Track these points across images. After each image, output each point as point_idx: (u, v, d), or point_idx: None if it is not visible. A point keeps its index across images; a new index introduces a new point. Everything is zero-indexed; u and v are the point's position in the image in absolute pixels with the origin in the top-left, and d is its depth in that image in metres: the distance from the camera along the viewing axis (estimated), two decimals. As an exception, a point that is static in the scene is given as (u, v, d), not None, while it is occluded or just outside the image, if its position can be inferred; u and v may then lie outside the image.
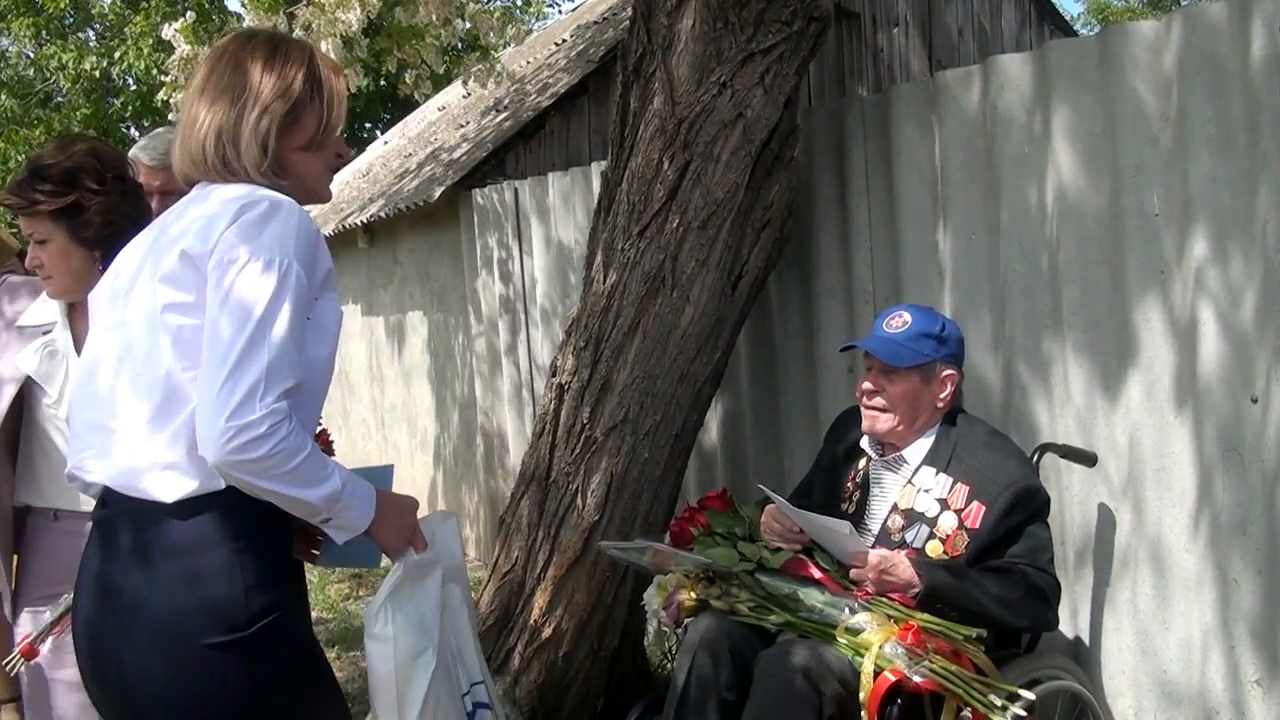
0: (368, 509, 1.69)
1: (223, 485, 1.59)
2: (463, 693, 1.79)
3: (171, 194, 2.96)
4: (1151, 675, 2.51)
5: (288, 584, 1.71)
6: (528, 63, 8.86)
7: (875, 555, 2.24)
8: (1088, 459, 2.55)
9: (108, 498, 1.67)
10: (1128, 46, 2.47)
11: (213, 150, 1.69)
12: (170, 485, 1.59)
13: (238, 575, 1.59)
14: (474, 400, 5.79)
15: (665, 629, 2.56)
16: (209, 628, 1.56)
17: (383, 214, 6.62)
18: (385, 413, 7.51)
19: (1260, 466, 2.27)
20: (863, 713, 2.05)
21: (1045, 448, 2.61)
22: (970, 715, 2.09)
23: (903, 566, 2.23)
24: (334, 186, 10.30)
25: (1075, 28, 11.61)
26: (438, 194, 5.80)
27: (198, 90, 1.73)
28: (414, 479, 6.80)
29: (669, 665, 3.77)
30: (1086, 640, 2.67)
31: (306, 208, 1.70)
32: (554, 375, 3.31)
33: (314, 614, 4.59)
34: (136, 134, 12.20)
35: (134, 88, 11.56)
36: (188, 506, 1.59)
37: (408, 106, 13.05)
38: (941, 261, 3.01)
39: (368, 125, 19.40)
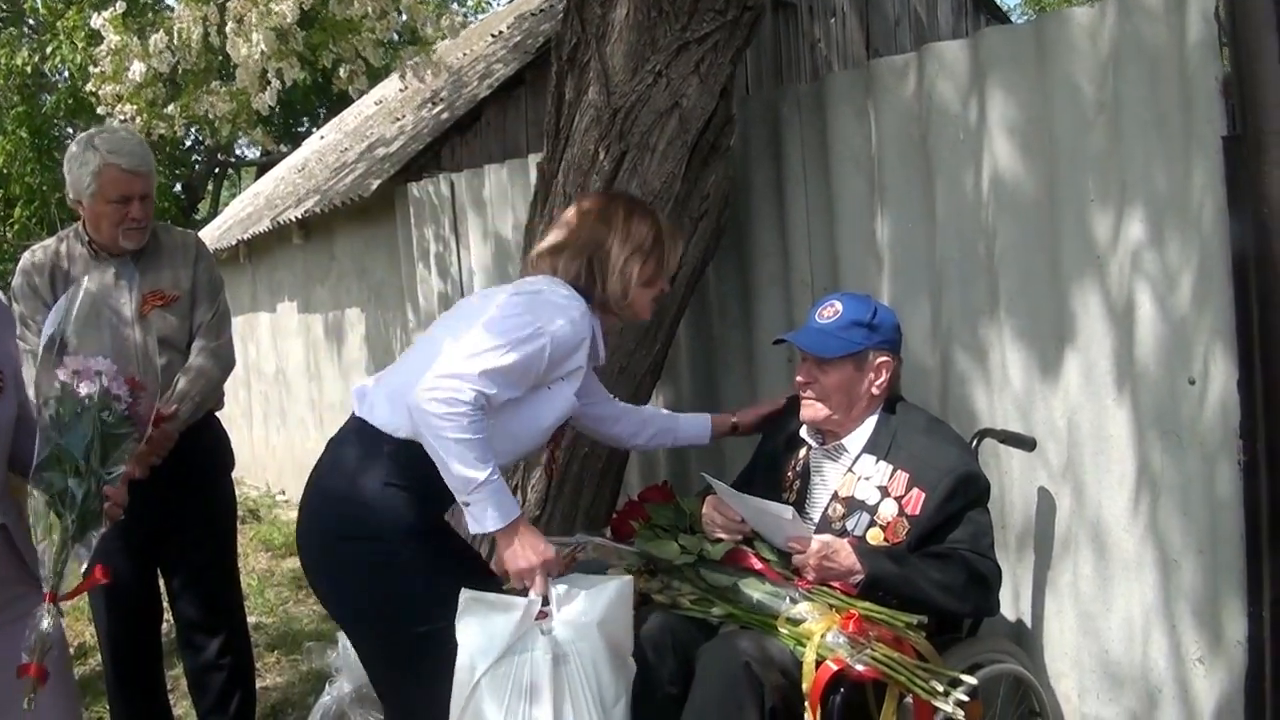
0: (501, 518, 2.07)
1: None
2: None
3: (150, 198, 2.89)
4: (1094, 656, 2.52)
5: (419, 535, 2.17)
6: (465, 54, 8.77)
7: (817, 541, 2.22)
8: (1026, 443, 2.56)
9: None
10: (1063, 33, 2.48)
11: (581, 272, 2.31)
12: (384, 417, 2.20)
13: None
14: (413, 397, 5.70)
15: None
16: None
17: (318, 209, 6.51)
18: (324, 411, 7.40)
19: (1199, 447, 2.29)
20: (805, 703, 2.03)
21: (984, 433, 2.61)
22: (913, 702, 2.08)
23: (844, 553, 2.21)
24: (268, 182, 10.15)
25: (1012, 18, 11.73)
26: (374, 188, 5.71)
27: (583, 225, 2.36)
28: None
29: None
30: (1028, 623, 2.68)
31: None
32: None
33: (254, 617, 4.50)
34: (71, 130, 11.88)
35: (67, 83, 11.26)
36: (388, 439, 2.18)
37: (344, 101, 12.87)
38: (879, 250, 3.01)
39: (304, 120, 19.15)
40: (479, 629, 2.02)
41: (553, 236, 2.39)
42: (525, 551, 2.09)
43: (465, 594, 2.07)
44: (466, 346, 2.11)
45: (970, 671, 2.20)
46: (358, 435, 2.24)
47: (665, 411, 2.85)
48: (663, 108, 2.92)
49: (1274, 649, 2.12)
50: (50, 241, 3.00)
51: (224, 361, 3.05)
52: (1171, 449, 2.35)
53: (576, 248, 2.32)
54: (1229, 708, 2.25)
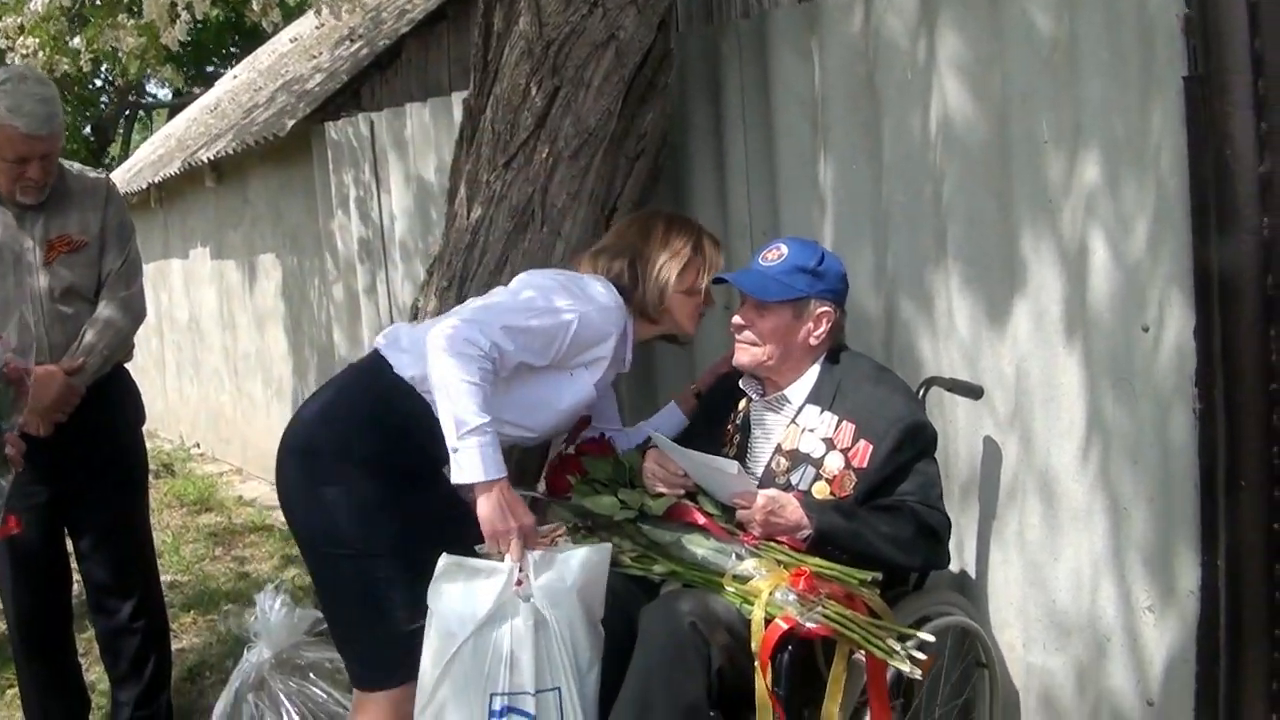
0: (485, 472, 2.04)
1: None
2: (494, 691, 1.93)
3: (52, 156, 2.67)
4: (1040, 606, 2.48)
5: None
6: (382, -9, 8.44)
7: (763, 496, 2.13)
8: (974, 391, 2.48)
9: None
10: (1017, -35, 2.38)
11: (624, 270, 2.41)
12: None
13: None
14: (332, 347, 5.51)
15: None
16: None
17: (231, 150, 6.22)
18: (239, 361, 7.16)
19: (1152, 395, 2.23)
20: (754, 663, 1.94)
21: (931, 381, 2.53)
22: (864, 659, 2.01)
23: (791, 508, 2.12)
24: (180, 123, 9.82)
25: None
26: (289, 127, 5.46)
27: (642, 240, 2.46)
28: (271, 430, 6.48)
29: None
30: (973, 574, 2.63)
31: None
32: (415, 317, 3.11)
33: (169, 575, 4.33)
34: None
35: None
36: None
37: (258, 38, 12.40)
38: (822, 193, 2.90)
39: (216, 60, 18.47)
40: (460, 595, 1.98)
41: (597, 244, 2.52)
42: (504, 514, 2.06)
43: (445, 558, 2.02)
44: (495, 301, 2.22)
45: (919, 625, 2.14)
46: (371, 363, 2.30)
47: (646, 424, 2.74)
48: (598, 40, 2.77)
49: (1230, 598, 2.08)
50: None
51: (134, 312, 2.87)
52: (1124, 397, 2.29)
53: (617, 249, 2.43)
54: (1181, 656, 2.22)
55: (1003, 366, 2.52)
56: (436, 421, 2.10)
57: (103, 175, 3.01)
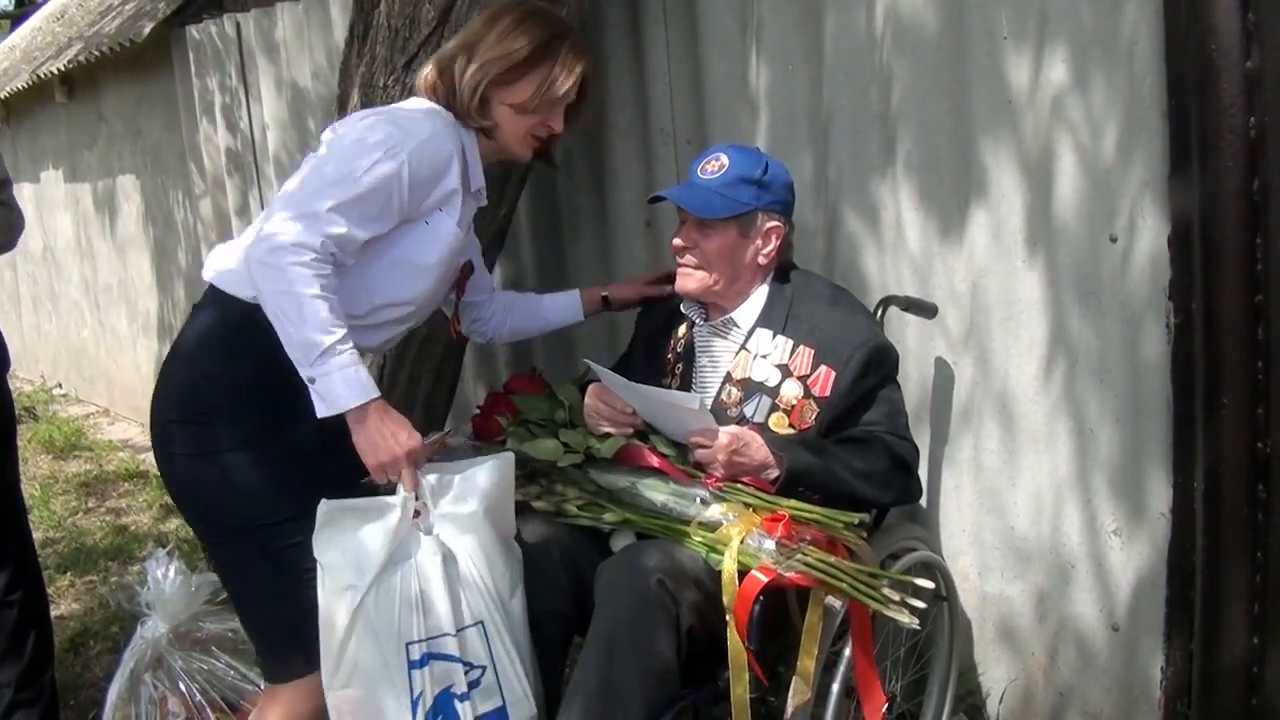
0: (354, 396, 1.73)
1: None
2: (409, 640, 1.73)
3: None
4: (997, 533, 2.37)
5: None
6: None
7: (725, 434, 1.93)
8: (928, 310, 2.33)
9: None
10: None
11: (436, 80, 2.00)
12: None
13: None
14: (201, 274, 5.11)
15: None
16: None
17: (81, 59, 5.67)
18: (100, 293, 6.66)
19: (1120, 310, 2.10)
20: (728, 618, 1.76)
21: (888, 300, 2.36)
22: (839, 604, 1.86)
23: (756, 446, 1.94)
24: (25, 34, 9.02)
25: None
26: (146, 31, 4.95)
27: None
28: (139, 367, 6.05)
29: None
30: (924, 502, 2.50)
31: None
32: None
33: (40, 533, 3.97)
34: None
35: None
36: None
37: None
38: (753, 96, 2.68)
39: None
40: (350, 544, 1.74)
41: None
42: (386, 440, 1.77)
43: (325, 505, 1.76)
44: (310, 182, 1.80)
45: (887, 565, 2.00)
46: (208, 299, 1.95)
47: (528, 294, 2.49)
48: (504, -78, 2.47)
49: (1207, 519, 1.99)
50: None
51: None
52: (1090, 313, 2.16)
53: (445, 54, 2.01)
54: (1151, 579, 2.14)
55: (956, 283, 2.37)
56: None
57: None
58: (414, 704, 1.72)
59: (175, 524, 4.14)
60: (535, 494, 2.05)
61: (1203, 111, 1.92)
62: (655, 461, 1.98)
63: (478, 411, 2.30)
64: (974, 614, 2.48)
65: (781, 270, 2.22)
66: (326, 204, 1.76)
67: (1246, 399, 1.95)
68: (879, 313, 2.34)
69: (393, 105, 2.02)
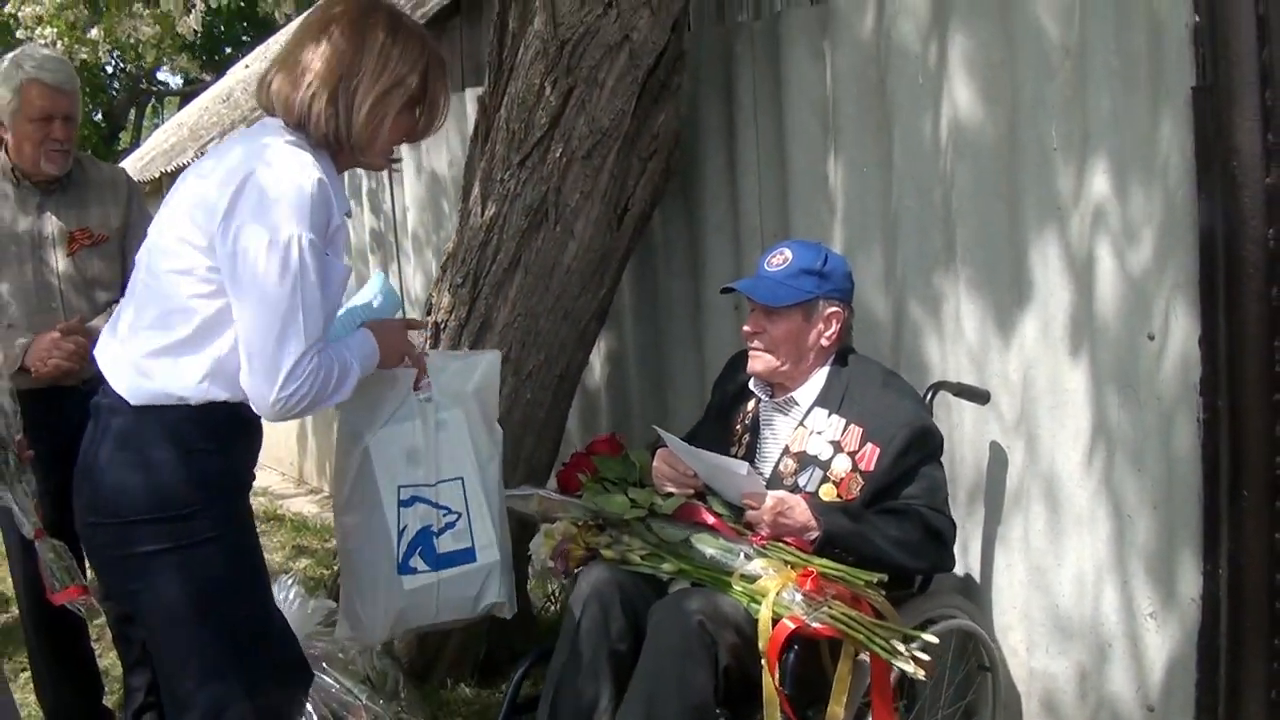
0: (374, 355, 1.94)
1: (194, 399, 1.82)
2: (400, 483, 2.08)
3: (73, 120, 2.75)
4: (1044, 610, 2.50)
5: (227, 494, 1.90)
6: (396, -16, 8.47)
7: (772, 497, 2.16)
8: (980, 396, 2.51)
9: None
10: (1029, -27, 2.39)
11: (322, 112, 1.84)
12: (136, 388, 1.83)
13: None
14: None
15: (553, 577, 2.45)
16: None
17: (244, 141, 6.22)
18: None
19: (1156, 403, 2.26)
20: (761, 661, 1.97)
21: (938, 386, 2.56)
22: (868, 658, 2.04)
23: (800, 509, 2.15)
24: (192, 113, 9.75)
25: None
26: (302, 120, 5.46)
27: (306, 42, 1.87)
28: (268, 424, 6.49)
29: (551, 609, 3.68)
30: (977, 577, 2.66)
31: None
32: (429, 313, 3.14)
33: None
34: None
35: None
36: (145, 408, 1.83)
37: (269, 28, 12.43)
38: (832, 196, 2.93)
39: (228, 48, 18.52)
40: (364, 401, 2.05)
41: (286, 52, 1.92)
42: (400, 346, 2.07)
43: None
44: (262, 326, 1.75)
45: (923, 627, 2.17)
46: (125, 409, 1.84)
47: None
48: (612, 41, 2.79)
49: (1230, 606, 2.11)
50: None
51: None
52: (1128, 404, 2.31)
53: (321, 77, 1.84)
54: (1181, 663, 2.25)
55: (1009, 372, 2.55)
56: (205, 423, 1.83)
57: (120, 170, 3.05)
58: (400, 533, 2.07)
59: (305, 563, 4.51)
60: (605, 543, 2.29)
61: (1227, 223, 2.09)
62: (710, 519, 2.21)
63: (563, 467, 2.57)
64: (1022, 687, 2.60)
65: (841, 354, 2.44)
66: (294, 335, 1.75)
67: (1267, 491, 2.08)
68: (929, 397, 2.53)
69: (251, 168, 1.79)
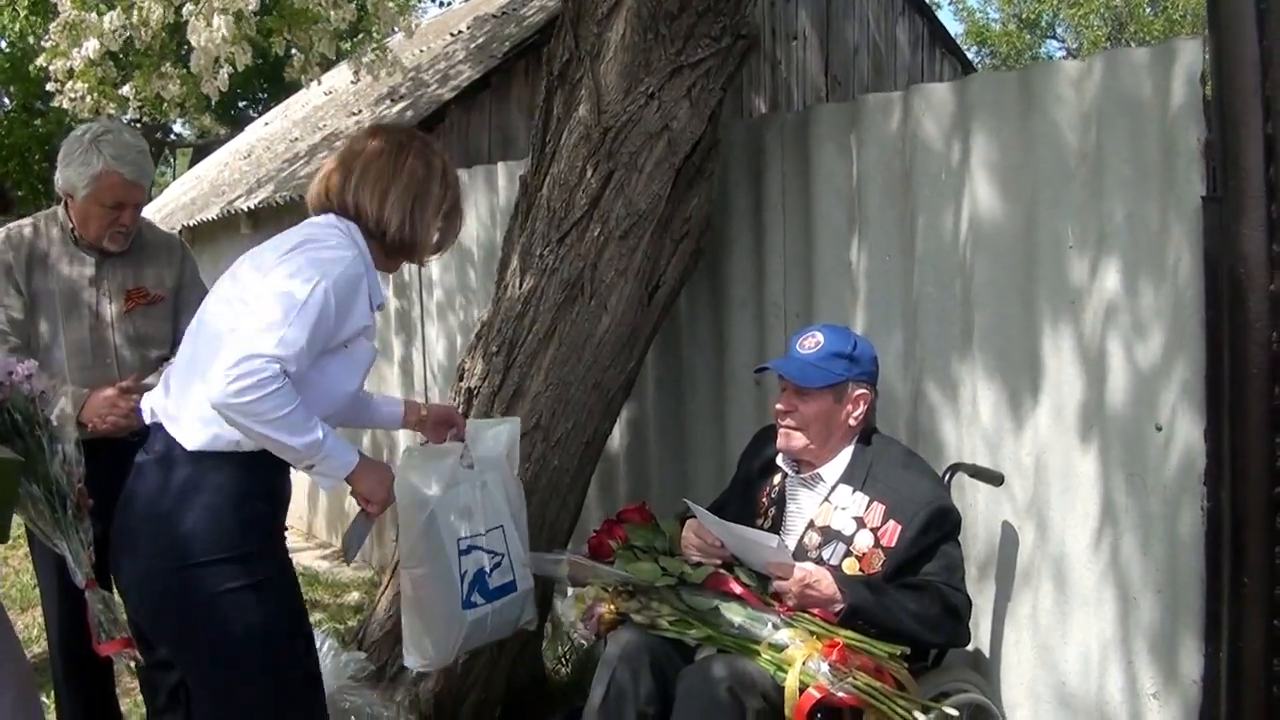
0: (345, 466, 2.08)
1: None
2: (459, 537, 2.36)
3: (142, 204, 2.92)
4: (1050, 686, 2.60)
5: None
6: (421, 51, 8.71)
7: (800, 570, 2.27)
8: (995, 478, 2.63)
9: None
10: (1049, 82, 2.56)
11: (392, 219, 2.18)
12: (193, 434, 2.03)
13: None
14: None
15: (581, 639, 2.56)
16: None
17: (278, 199, 6.40)
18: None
19: (1162, 491, 2.38)
20: (788, 728, 2.07)
21: (956, 467, 2.68)
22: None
23: (826, 582, 2.27)
24: (210, 167, 9.83)
25: (968, 54, 11.92)
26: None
27: (381, 163, 2.21)
28: (300, 487, 6.57)
29: (563, 672, 3.76)
30: (987, 652, 2.76)
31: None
32: (461, 379, 3.27)
33: None
34: (7, 100, 11.56)
35: (5, 50, 10.95)
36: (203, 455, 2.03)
37: (285, 85, 12.68)
38: (855, 280, 3.07)
39: (242, 103, 18.82)
40: (421, 474, 2.33)
41: (343, 169, 2.24)
42: (379, 480, 2.18)
43: (409, 449, 2.47)
44: (254, 323, 1.95)
45: (938, 700, 2.27)
46: (183, 458, 2.05)
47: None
48: (653, 129, 2.95)
49: (1230, 687, 2.21)
50: (28, 221, 2.94)
51: None
52: (1136, 491, 2.44)
53: (398, 195, 2.19)
54: (1183, 744, 2.35)
55: (1022, 455, 2.67)
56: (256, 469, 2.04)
57: (175, 235, 3.17)
58: (460, 577, 2.35)
59: (318, 616, 4.56)
60: (635, 608, 2.39)
61: (1233, 325, 2.23)
62: (737, 589, 2.32)
63: (594, 533, 2.68)
64: (1028, 762, 2.69)
65: (865, 434, 2.56)
66: (274, 338, 1.91)
67: (1266, 579, 2.19)
68: (947, 477, 2.65)
69: (307, 237, 2.12)
